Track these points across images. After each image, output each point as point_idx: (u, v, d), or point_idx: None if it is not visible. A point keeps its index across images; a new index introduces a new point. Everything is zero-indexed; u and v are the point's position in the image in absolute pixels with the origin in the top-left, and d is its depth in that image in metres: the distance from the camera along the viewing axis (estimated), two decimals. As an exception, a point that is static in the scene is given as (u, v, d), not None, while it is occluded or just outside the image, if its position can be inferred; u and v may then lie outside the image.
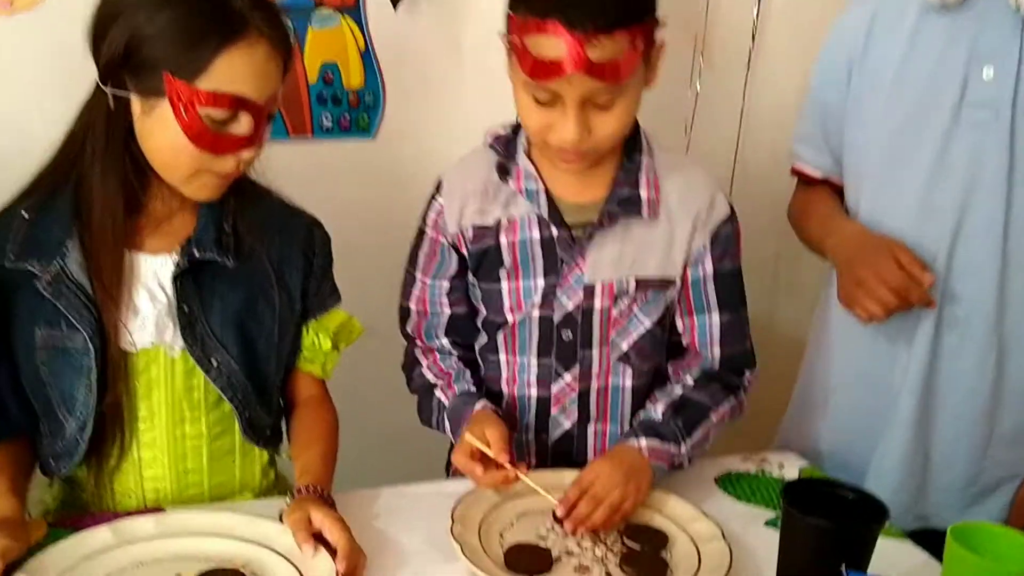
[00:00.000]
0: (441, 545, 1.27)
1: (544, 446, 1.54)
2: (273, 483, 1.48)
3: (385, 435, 1.99)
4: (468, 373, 1.51)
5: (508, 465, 1.31)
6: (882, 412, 1.58)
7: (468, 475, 1.35)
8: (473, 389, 1.48)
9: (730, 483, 1.51)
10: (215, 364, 1.33)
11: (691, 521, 1.35)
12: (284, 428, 1.48)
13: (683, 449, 1.41)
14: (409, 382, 1.58)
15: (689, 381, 1.49)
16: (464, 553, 1.21)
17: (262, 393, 1.39)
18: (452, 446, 1.69)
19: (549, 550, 1.27)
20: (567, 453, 1.54)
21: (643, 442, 1.38)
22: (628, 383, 1.51)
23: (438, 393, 1.50)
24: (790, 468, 1.57)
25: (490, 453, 1.32)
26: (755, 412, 1.59)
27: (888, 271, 1.43)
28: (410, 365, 1.57)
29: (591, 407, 1.52)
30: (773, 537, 1.26)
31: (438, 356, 1.53)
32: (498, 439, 1.33)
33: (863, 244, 1.50)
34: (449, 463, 1.71)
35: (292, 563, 1.20)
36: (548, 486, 1.32)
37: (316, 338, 1.45)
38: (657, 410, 1.44)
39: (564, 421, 1.52)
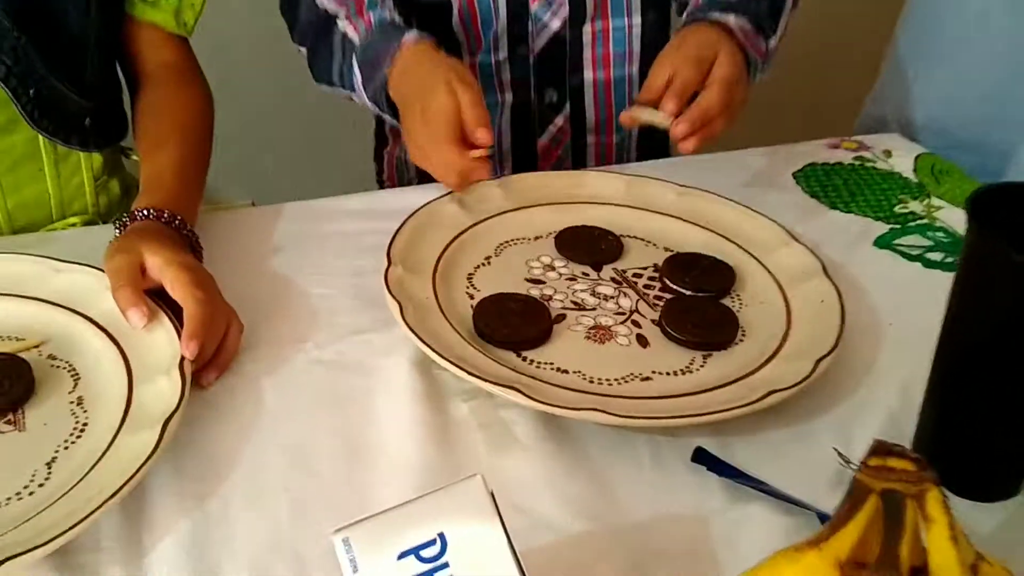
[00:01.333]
0: (375, 299, 0.79)
1: (523, 67, 1.06)
2: (120, 203, 0.97)
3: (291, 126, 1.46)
4: None
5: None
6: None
7: (430, 165, 0.88)
8: (397, 17, 0.95)
9: (816, 180, 1.00)
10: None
11: (771, 246, 0.85)
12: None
13: (771, 44, 0.95)
14: (293, 22, 1.03)
15: None
16: (404, 317, 0.72)
17: (62, 57, 0.84)
18: (379, 129, 1.17)
19: (545, 305, 0.78)
20: (557, 73, 1.07)
21: (731, 19, 0.90)
22: None
23: (341, 25, 0.96)
24: (901, 156, 1.06)
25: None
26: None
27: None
28: None
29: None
30: (888, 264, 0.88)
31: None
32: (471, 99, 0.83)
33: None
34: (381, 160, 1.19)
35: (112, 339, 0.71)
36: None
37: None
38: None
39: (551, 21, 1.03)
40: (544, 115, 1.09)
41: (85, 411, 0.66)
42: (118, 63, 0.94)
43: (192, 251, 0.78)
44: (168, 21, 0.91)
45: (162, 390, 0.65)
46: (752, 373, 0.71)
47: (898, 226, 0.93)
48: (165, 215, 0.77)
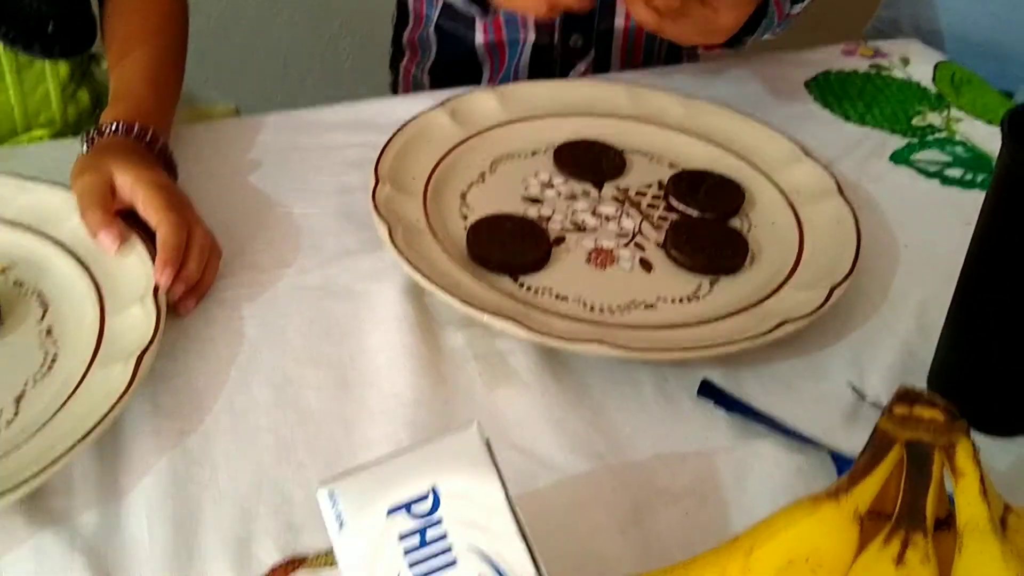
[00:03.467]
0: (362, 218, 0.74)
1: None
2: (90, 113, 0.91)
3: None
4: None
5: None
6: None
7: None
8: None
9: (830, 90, 0.95)
10: None
11: (783, 163, 0.80)
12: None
13: (794, 10, 0.88)
14: None
15: None
16: (393, 240, 0.67)
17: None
18: (397, 37, 1.11)
19: (543, 227, 0.73)
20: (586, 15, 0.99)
21: None
22: None
23: None
24: (920, 64, 1.00)
25: None
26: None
27: None
28: None
29: None
30: (905, 181, 0.83)
31: None
32: None
33: None
34: (397, 71, 1.12)
35: (82, 264, 0.67)
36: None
37: None
38: None
39: None
40: (566, 59, 1.01)
41: (55, 342, 0.62)
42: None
43: (166, 167, 0.73)
44: (135, -86, 0.84)
45: (136, 320, 0.61)
46: (762, 301, 0.67)
47: (915, 140, 0.88)
48: (136, 128, 0.72)
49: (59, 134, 0.87)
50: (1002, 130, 0.56)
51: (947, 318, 0.63)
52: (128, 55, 0.79)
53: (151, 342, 0.59)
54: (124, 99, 0.75)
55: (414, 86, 1.12)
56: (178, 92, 0.82)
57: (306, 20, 1.69)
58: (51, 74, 0.85)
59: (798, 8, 0.87)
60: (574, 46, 1.00)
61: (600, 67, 1.02)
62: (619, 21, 1.00)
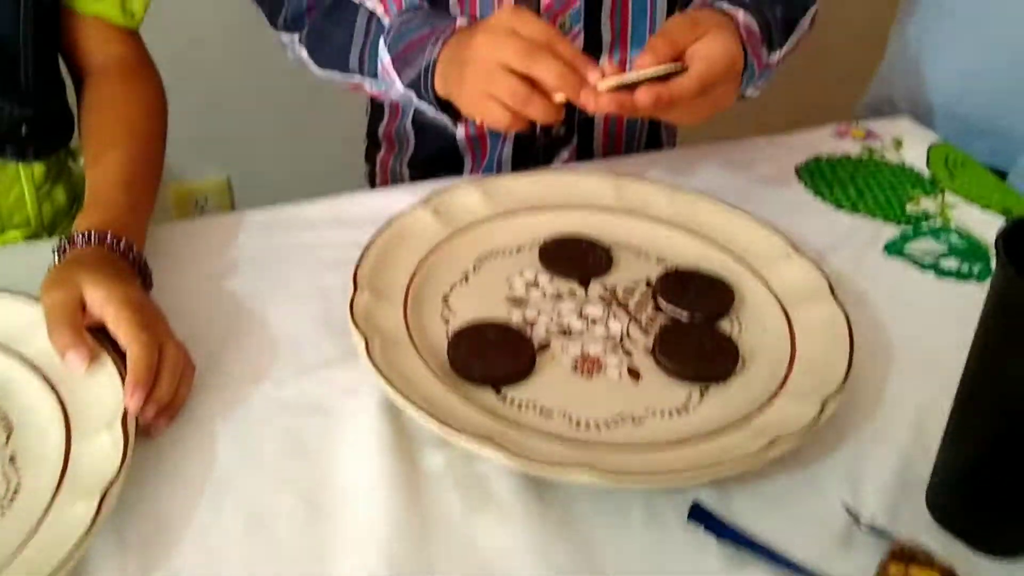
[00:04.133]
0: (340, 324, 0.72)
1: None
2: (67, 212, 0.89)
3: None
4: None
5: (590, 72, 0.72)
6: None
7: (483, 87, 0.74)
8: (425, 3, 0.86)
9: (820, 175, 0.93)
10: None
11: (773, 260, 0.78)
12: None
13: (773, 58, 0.85)
14: (278, 6, 0.90)
15: None
16: (370, 353, 0.65)
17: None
18: (372, 130, 1.10)
19: (526, 335, 0.71)
20: (567, 108, 0.96)
21: (740, 15, 0.80)
22: None
23: (370, 4, 0.86)
24: (913, 146, 0.98)
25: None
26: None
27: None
28: None
29: (603, 25, 0.92)
30: (899, 274, 0.81)
31: None
32: (542, 27, 0.74)
33: None
34: (373, 162, 1.11)
35: (50, 384, 0.64)
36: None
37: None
38: None
39: None
40: (549, 149, 1.00)
41: (17, 470, 0.60)
42: (62, 60, 0.86)
43: (140, 274, 0.72)
44: (113, 12, 0.83)
45: (103, 448, 0.59)
46: (754, 414, 0.65)
47: (910, 228, 0.86)
48: (109, 238, 0.70)
49: (34, 235, 0.85)
50: (996, 249, 0.54)
51: (945, 434, 0.60)
52: (104, 154, 0.78)
53: (116, 477, 0.56)
54: (98, 205, 0.74)
55: (392, 178, 1.10)
56: (155, 191, 0.80)
57: (295, 92, 1.69)
58: (25, 176, 0.83)
59: (776, 57, 0.85)
60: (556, 135, 0.99)
61: (583, 153, 1.01)
62: None
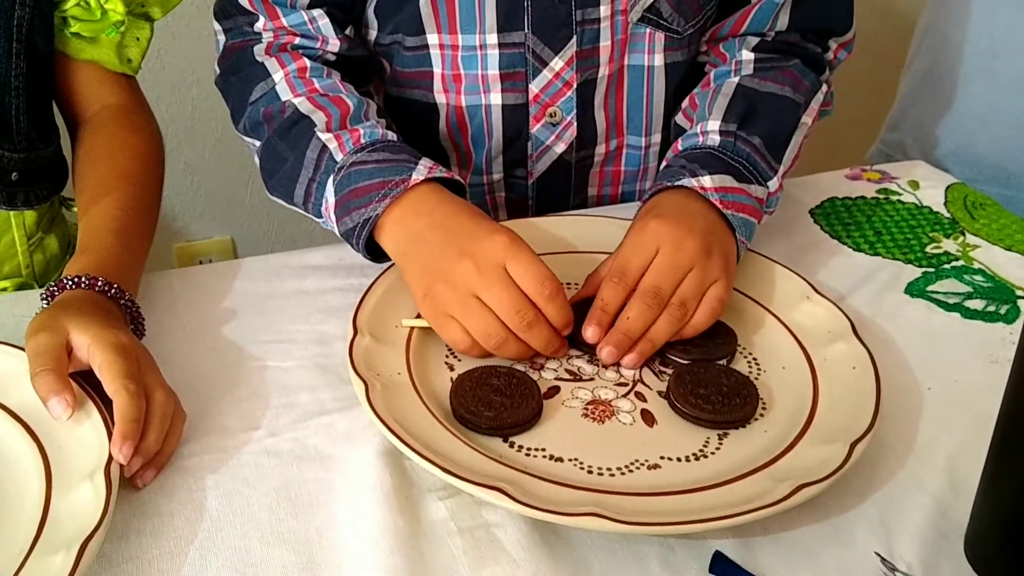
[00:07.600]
0: (339, 371, 0.69)
1: (521, 189, 0.93)
2: (59, 261, 0.87)
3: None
4: (371, 107, 0.81)
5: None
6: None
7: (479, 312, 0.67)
8: (391, 134, 0.78)
9: (836, 218, 0.90)
10: None
11: (792, 301, 0.75)
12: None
13: (772, 185, 0.79)
14: (239, 106, 0.83)
15: (747, 57, 0.85)
16: (370, 399, 0.62)
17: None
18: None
19: (534, 380, 0.67)
20: (559, 194, 0.94)
21: (707, 180, 0.75)
22: (659, 60, 0.87)
23: (324, 137, 0.77)
24: (930, 188, 0.96)
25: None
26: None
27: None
28: (242, 69, 0.83)
29: (597, 113, 0.88)
30: (923, 315, 0.78)
31: (307, 66, 0.81)
32: (535, 276, 0.68)
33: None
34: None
35: (32, 434, 0.61)
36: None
37: (91, -7, 0.78)
38: (709, 118, 0.81)
39: (555, 144, 0.89)
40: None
41: (-6, 523, 0.56)
42: (57, 106, 0.84)
43: (132, 321, 0.69)
44: (109, 59, 0.82)
45: (84, 500, 0.55)
46: (776, 459, 0.61)
47: (931, 269, 0.83)
48: (100, 283, 0.67)
49: (24, 285, 0.83)
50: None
51: (982, 480, 0.56)
52: (98, 201, 0.76)
53: (97, 528, 0.52)
54: (91, 250, 0.71)
55: None
56: (149, 240, 0.77)
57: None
58: (16, 223, 0.81)
59: (774, 182, 0.80)
60: None
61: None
62: (593, 191, 0.96)
